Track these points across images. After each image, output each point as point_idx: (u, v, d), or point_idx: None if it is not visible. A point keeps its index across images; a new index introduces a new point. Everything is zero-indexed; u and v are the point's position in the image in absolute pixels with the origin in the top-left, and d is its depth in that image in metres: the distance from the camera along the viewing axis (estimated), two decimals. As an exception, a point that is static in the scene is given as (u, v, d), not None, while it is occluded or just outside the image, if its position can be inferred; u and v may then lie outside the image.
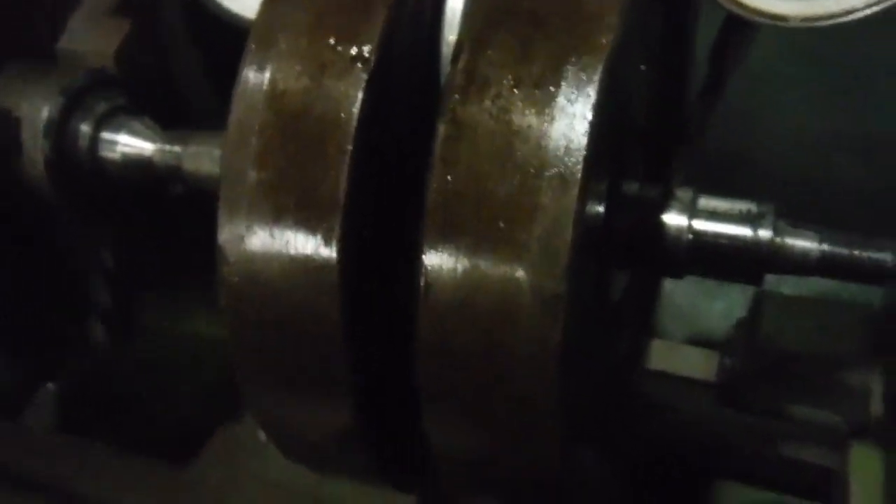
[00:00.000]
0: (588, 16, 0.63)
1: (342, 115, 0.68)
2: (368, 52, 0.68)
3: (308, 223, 0.69)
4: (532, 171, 0.61)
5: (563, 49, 0.62)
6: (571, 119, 0.61)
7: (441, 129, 0.65)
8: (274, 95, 0.70)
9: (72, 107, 1.13)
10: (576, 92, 0.61)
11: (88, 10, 1.24)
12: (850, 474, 1.23)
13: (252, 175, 0.71)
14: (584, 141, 0.60)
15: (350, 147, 0.67)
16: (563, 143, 0.61)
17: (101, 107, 1.15)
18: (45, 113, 1.12)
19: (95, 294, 1.36)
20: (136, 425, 1.52)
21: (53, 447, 1.50)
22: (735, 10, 0.84)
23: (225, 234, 0.72)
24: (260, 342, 0.75)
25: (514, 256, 0.62)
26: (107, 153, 1.14)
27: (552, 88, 0.62)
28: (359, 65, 0.68)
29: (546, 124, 0.62)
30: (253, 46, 0.72)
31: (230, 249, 0.73)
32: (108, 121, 1.15)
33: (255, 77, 0.71)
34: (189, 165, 1.08)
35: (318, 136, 0.68)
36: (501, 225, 0.62)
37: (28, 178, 1.15)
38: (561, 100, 0.62)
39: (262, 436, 1.61)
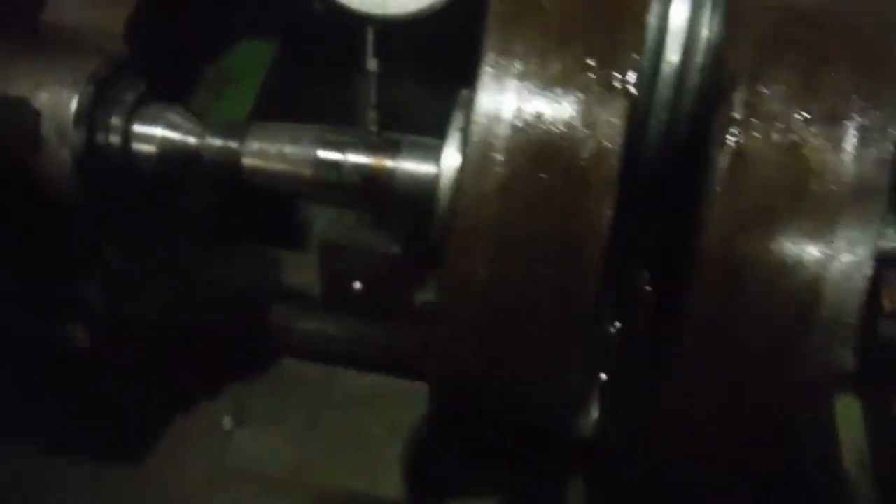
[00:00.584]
0: (871, 49, 0.64)
1: (606, 144, 0.65)
2: (628, 75, 0.65)
3: (562, 255, 0.66)
4: (827, 205, 0.62)
5: (852, 83, 0.63)
6: (869, 155, 0.62)
7: (722, 160, 0.64)
8: (523, 119, 0.65)
9: (102, 97, 0.98)
10: (872, 127, 0.62)
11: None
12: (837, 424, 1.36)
13: (497, 203, 0.66)
14: (884, 178, 0.62)
15: (615, 176, 0.65)
16: (861, 179, 0.62)
17: (130, 95, 1.01)
18: (73, 104, 0.97)
19: (86, 293, 1.20)
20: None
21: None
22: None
23: (460, 267, 0.68)
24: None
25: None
26: (141, 147, 1.02)
27: (846, 123, 0.63)
28: (617, 86, 0.65)
29: (842, 160, 0.63)
30: (489, 68, 0.66)
31: (462, 282, 0.68)
32: (139, 111, 1.01)
33: (497, 99, 0.66)
34: (251, 162, 0.99)
35: (577, 167, 0.65)
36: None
37: (45, 176, 0.99)
38: (857, 135, 0.63)
39: (226, 424, 1.53)
